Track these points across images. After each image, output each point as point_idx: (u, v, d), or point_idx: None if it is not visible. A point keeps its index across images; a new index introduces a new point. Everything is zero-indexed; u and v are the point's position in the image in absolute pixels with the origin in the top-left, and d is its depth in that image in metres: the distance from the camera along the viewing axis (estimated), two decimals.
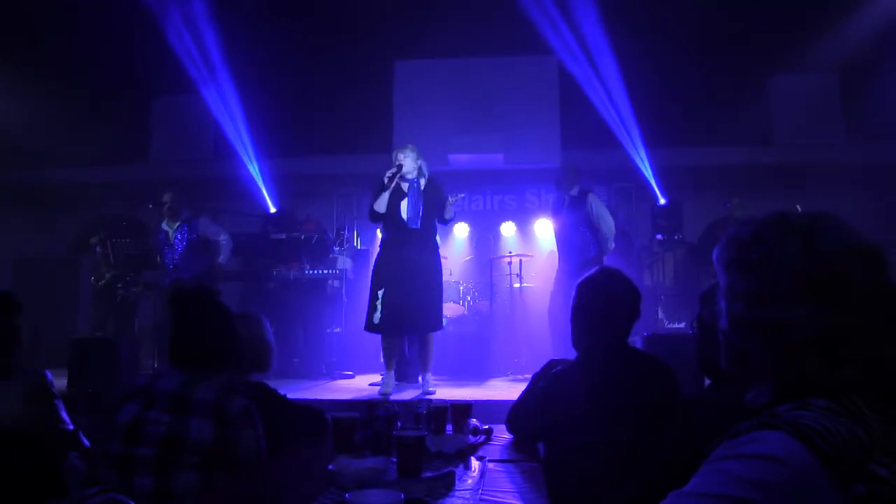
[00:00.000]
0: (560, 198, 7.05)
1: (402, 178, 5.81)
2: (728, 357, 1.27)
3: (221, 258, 7.42)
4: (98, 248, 7.69)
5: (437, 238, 6.03)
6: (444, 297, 7.87)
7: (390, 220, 5.83)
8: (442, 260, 6.22)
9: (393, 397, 5.55)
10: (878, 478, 1.03)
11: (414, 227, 5.72)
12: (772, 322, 1.16)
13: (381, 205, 5.75)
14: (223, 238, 7.41)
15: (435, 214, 5.84)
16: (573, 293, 2.79)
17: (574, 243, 6.80)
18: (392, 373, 5.90)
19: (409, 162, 5.78)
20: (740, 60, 9.81)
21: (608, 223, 6.87)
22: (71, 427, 2.47)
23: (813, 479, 1.01)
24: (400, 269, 5.71)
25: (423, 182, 5.86)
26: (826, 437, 1.03)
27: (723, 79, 9.69)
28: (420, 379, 6.01)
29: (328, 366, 7.39)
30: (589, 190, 7.08)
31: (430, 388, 5.83)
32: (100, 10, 9.59)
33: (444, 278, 8.25)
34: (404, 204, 5.77)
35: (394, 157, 5.82)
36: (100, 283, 7.94)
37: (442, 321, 6.07)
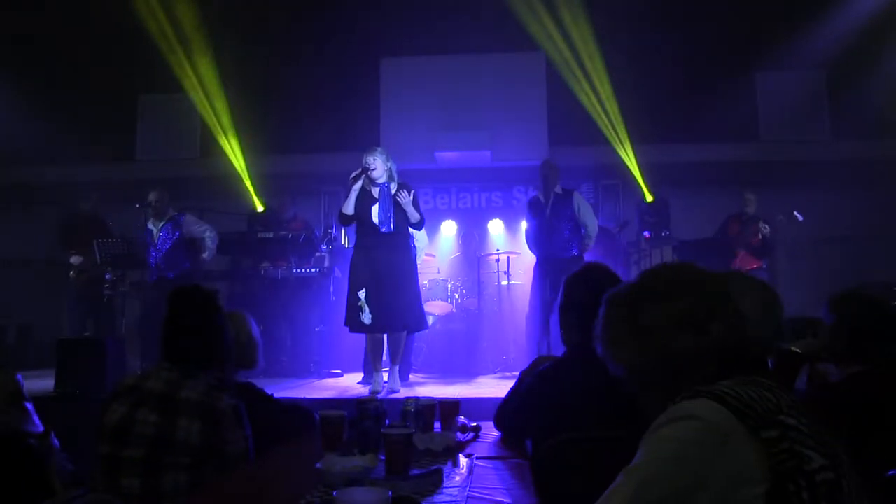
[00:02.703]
0: (545, 195, 7.00)
1: (373, 182, 5.82)
2: (656, 387, 1.50)
3: (207, 255, 7.36)
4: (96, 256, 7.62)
5: (412, 241, 6.06)
6: (432, 294, 7.94)
7: (362, 223, 5.87)
8: (417, 262, 6.26)
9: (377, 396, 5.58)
10: (787, 425, 1.28)
11: (386, 230, 5.76)
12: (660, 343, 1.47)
13: (349, 207, 5.80)
14: (209, 235, 7.35)
15: (406, 218, 5.84)
16: (560, 290, 2.79)
17: (556, 242, 6.79)
18: (380, 373, 5.92)
19: (378, 165, 5.77)
20: (727, 57, 9.85)
21: (593, 222, 6.93)
22: (41, 429, 2.46)
23: (729, 426, 1.26)
24: (377, 270, 5.75)
25: (393, 186, 5.86)
26: (737, 397, 1.30)
27: (709, 75, 9.72)
28: (387, 376, 6.01)
29: (316, 364, 7.38)
30: (573, 189, 7.11)
31: (396, 387, 5.87)
32: (84, 7, 9.55)
33: (432, 276, 8.30)
34: (375, 208, 5.79)
35: (363, 160, 5.80)
36: (80, 279, 7.90)
37: (426, 322, 6.09)
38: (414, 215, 5.81)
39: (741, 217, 8.22)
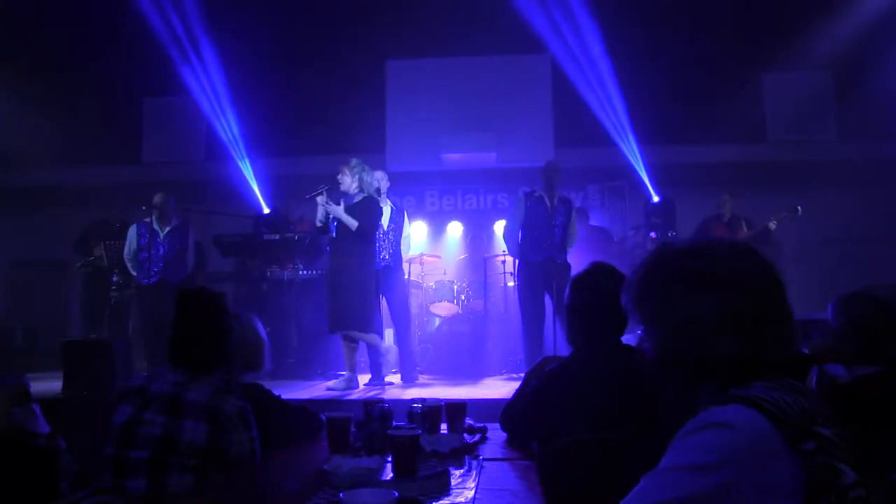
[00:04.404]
0: (549, 196, 6.87)
1: (345, 194, 6.23)
2: (681, 372, 1.41)
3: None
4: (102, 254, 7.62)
5: (359, 246, 6.20)
6: (438, 296, 7.95)
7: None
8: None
9: (355, 397, 5.76)
10: (823, 436, 1.21)
11: (332, 235, 6.19)
12: (700, 329, 1.35)
13: (317, 220, 6.23)
14: (190, 247, 7.54)
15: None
16: (567, 291, 2.77)
17: (555, 245, 6.74)
18: (351, 374, 6.21)
19: (346, 180, 6.18)
20: (734, 58, 9.82)
21: (576, 231, 6.99)
22: (48, 430, 2.47)
23: (766, 437, 1.19)
24: (330, 274, 6.23)
25: (359, 197, 6.19)
26: (773, 402, 1.22)
27: (716, 76, 9.70)
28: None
29: (323, 366, 7.37)
30: (568, 196, 7.18)
31: (381, 384, 6.28)
32: (90, 10, 9.57)
33: (438, 278, 8.31)
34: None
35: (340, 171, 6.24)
36: (82, 270, 7.91)
37: (368, 324, 6.18)
38: (350, 223, 6.03)
39: (721, 218, 8.22)
